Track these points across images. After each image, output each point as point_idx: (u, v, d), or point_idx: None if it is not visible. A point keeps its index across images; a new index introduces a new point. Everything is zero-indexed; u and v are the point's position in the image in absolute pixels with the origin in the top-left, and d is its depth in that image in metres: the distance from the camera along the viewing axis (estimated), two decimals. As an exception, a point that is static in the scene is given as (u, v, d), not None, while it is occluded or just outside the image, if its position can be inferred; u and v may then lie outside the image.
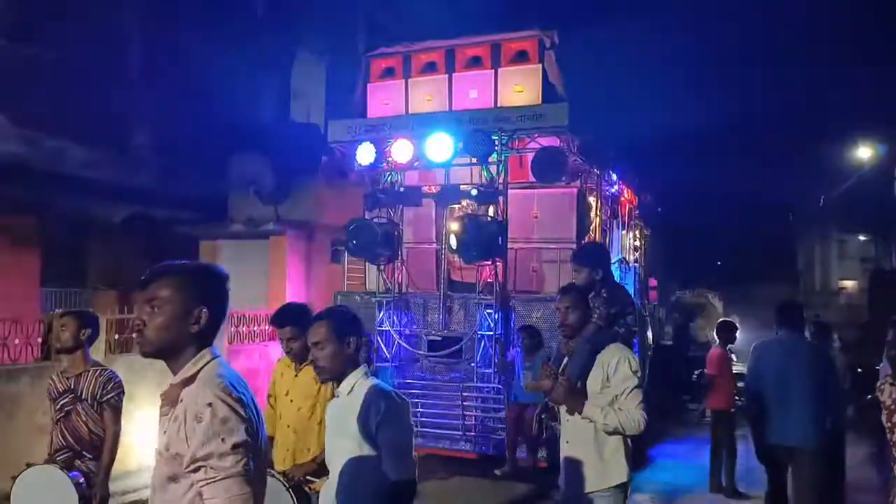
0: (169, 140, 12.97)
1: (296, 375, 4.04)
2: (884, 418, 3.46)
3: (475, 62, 9.34)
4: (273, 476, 3.39)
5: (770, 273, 24.69)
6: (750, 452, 5.73)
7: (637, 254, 12.16)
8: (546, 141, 8.67)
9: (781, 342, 5.35)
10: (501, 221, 8.50)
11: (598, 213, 9.51)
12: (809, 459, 5.04)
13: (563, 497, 3.84)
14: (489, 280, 8.55)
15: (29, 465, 4.02)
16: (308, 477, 3.72)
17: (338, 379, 2.96)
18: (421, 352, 8.84)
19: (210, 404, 1.91)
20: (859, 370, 8.99)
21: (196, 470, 1.89)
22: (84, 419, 4.16)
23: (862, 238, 25.88)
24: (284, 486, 3.47)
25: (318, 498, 3.31)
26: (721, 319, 9.76)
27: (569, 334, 3.81)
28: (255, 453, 1.97)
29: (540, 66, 8.89)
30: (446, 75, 9.34)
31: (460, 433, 8.40)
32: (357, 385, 2.92)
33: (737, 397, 7.69)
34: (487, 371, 8.37)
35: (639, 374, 3.62)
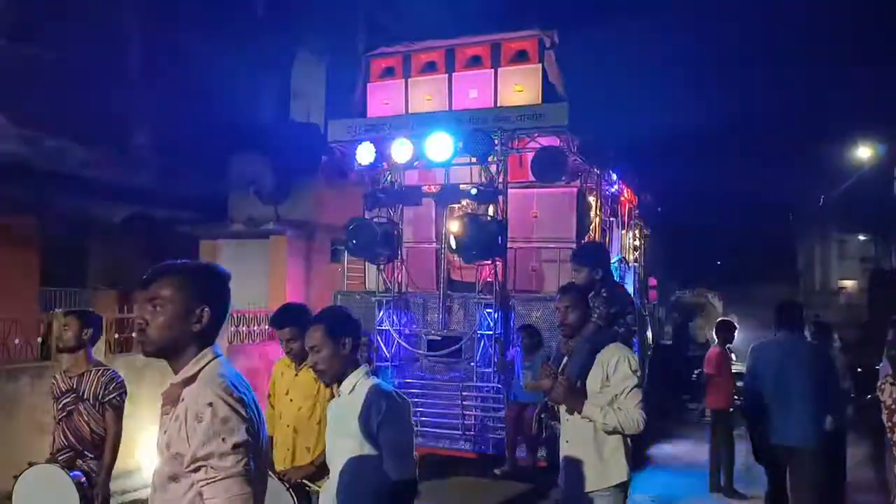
0: (169, 140, 12.97)
1: (296, 375, 4.04)
2: (884, 418, 3.47)
3: (475, 62, 9.34)
4: (273, 477, 3.39)
5: (770, 273, 24.71)
6: (750, 452, 5.73)
7: (637, 253, 12.16)
8: (546, 141, 8.67)
9: (780, 343, 5.35)
10: (501, 221, 8.50)
11: (598, 212, 9.52)
12: (809, 459, 5.04)
13: (563, 496, 3.84)
14: (489, 279, 8.55)
15: (30, 465, 4.03)
16: (305, 480, 3.73)
17: (338, 380, 2.97)
18: (421, 351, 8.84)
19: (211, 404, 1.91)
20: (859, 370, 8.99)
21: (196, 469, 1.90)
22: (86, 419, 4.17)
23: (862, 238, 25.88)
24: (285, 486, 3.48)
25: (318, 498, 3.32)
26: (720, 319, 9.77)
27: (568, 334, 3.81)
28: (255, 453, 1.97)
29: (540, 65, 8.88)
30: (446, 75, 9.33)
31: (460, 433, 8.39)
32: (358, 385, 2.93)
33: (736, 397, 7.69)
34: (487, 370, 8.37)
35: (638, 374, 3.62)
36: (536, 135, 8.67)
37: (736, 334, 8.33)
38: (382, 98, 9.63)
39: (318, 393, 3.92)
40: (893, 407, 3.41)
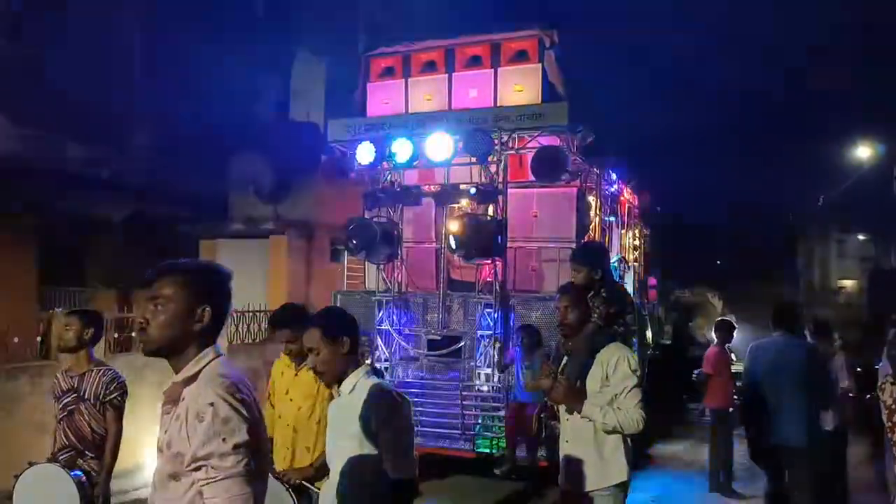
0: (169, 139, 12.97)
1: (296, 375, 4.04)
2: (884, 417, 3.47)
3: (475, 61, 9.33)
4: (273, 477, 3.39)
5: (770, 273, 24.73)
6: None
7: (637, 253, 12.16)
8: (546, 140, 8.67)
9: (775, 342, 5.41)
10: (501, 220, 8.50)
11: (598, 212, 9.52)
12: (806, 459, 5.06)
13: (563, 496, 3.84)
14: (489, 279, 8.54)
15: (31, 464, 4.03)
16: (304, 482, 3.73)
17: (339, 380, 2.97)
18: (420, 351, 8.83)
19: (212, 404, 1.91)
20: (859, 370, 8.99)
21: (197, 469, 1.90)
22: (87, 418, 4.17)
23: (861, 238, 25.90)
24: (285, 486, 3.48)
25: (318, 498, 3.32)
26: (719, 318, 9.77)
27: (568, 333, 3.82)
28: (256, 453, 1.97)
29: (540, 65, 8.88)
30: (446, 75, 9.32)
31: (460, 432, 8.39)
32: (358, 384, 2.93)
33: (736, 397, 7.70)
34: (487, 370, 8.37)
35: (638, 374, 3.62)
36: (536, 134, 8.67)
37: (735, 334, 8.34)
38: (382, 98, 9.63)
39: (318, 393, 3.92)
40: (894, 407, 3.41)
